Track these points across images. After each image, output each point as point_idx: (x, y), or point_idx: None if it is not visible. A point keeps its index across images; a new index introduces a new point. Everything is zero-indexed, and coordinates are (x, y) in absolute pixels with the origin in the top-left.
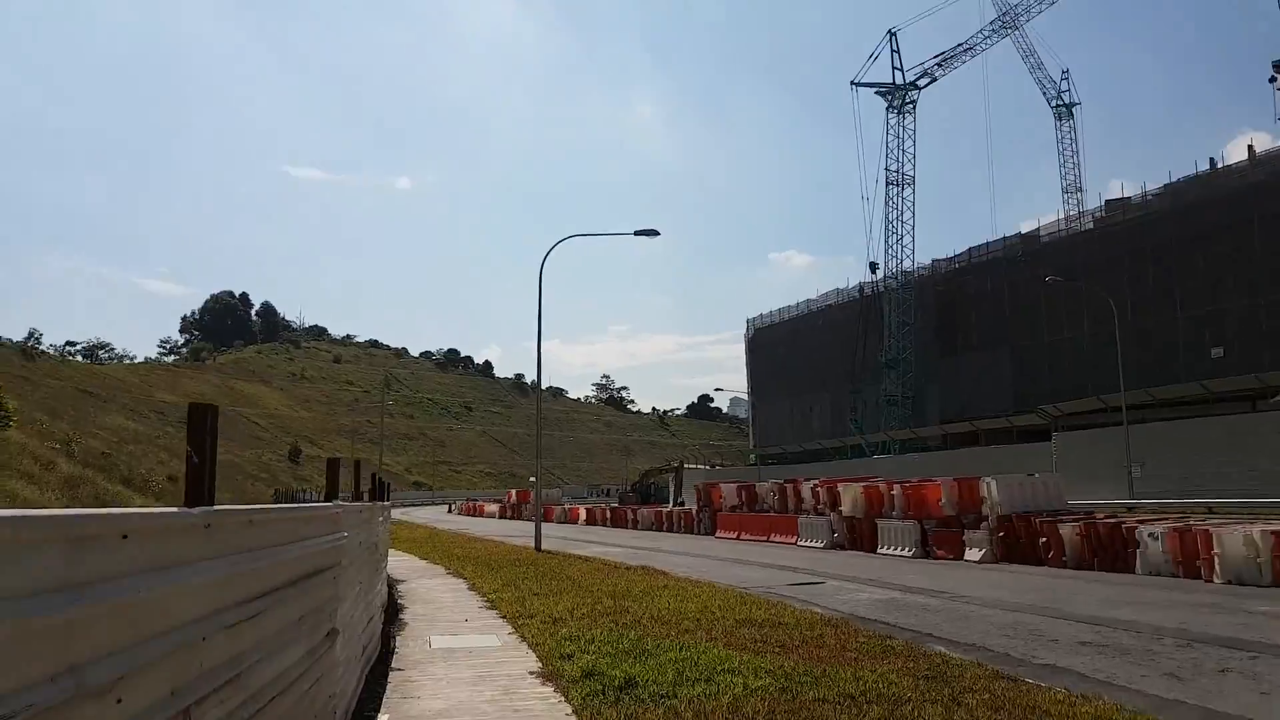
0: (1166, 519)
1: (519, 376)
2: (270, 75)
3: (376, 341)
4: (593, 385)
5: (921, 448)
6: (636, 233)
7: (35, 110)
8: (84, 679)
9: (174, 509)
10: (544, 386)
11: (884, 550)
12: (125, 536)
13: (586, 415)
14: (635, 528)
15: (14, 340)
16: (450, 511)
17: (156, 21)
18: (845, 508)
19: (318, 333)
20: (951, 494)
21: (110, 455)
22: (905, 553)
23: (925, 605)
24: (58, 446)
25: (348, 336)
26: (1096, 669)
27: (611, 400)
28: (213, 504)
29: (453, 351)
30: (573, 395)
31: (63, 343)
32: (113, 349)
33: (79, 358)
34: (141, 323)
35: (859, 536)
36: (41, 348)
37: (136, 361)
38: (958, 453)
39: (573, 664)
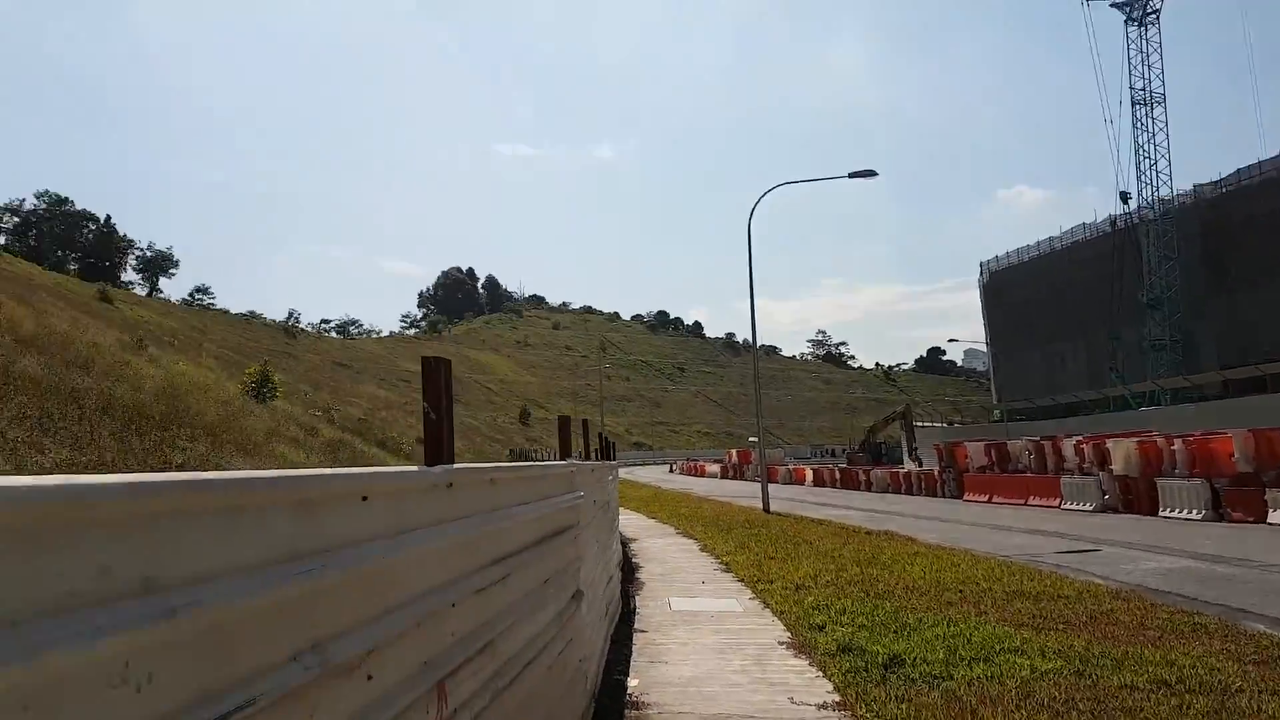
0: None
1: (729, 335)
2: (470, 58)
3: (590, 307)
4: (808, 341)
5: (1198, 397)
6: (851, 175)
7: (277, 113)
8: (328, 656)
9: (415, 468)
10: (756, 345)
11: (1166, 513)
12: (365, 498)
13: (803, 373)
14: (868, 489)
15: (277, 320)
16: (671, 471)
17: (359, 23)
18: (1116, 466)
19: (537, 301)
20: (1247, 447)
21: (365, 420)
22: (1193, 515)
23: (1229, 576)
24: (319, 414)
25: (564, 304)
26: None
27: (829, 356)
28: (452, 462)
29: (662, 313)
30: (786, 353)
31: (318, 320)
32: (361, 325)
33: (333, 334)
34: (384, 300)
35: (1135, 498)
36: (301, 326)
37: (383, 335)
38: (1241, 401)
39: (826, 636)
